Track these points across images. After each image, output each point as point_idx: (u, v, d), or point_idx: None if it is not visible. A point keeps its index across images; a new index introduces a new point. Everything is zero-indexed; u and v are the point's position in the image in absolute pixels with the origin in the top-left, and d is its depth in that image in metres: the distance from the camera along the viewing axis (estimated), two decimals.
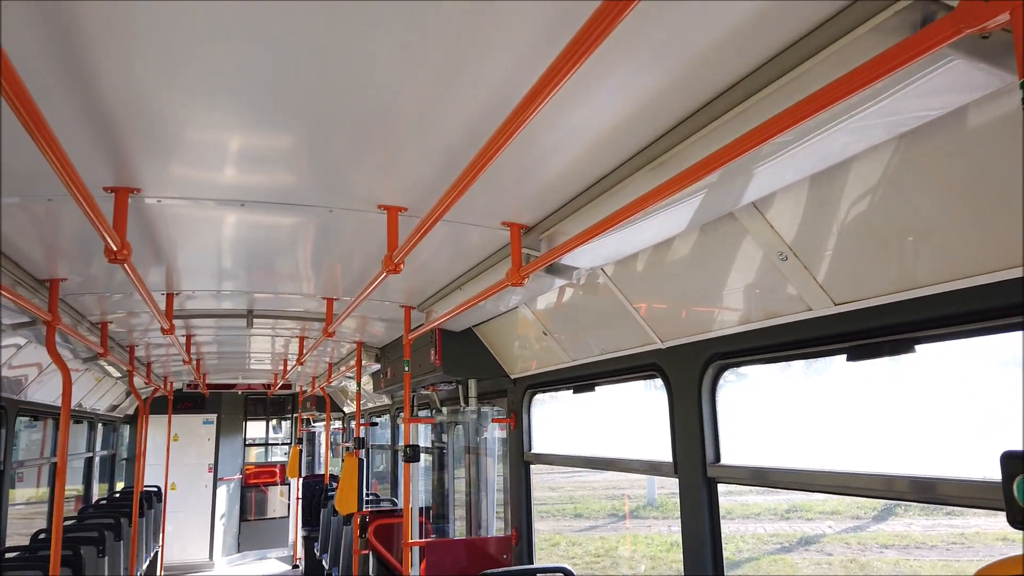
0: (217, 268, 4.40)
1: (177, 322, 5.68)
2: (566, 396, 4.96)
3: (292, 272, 4.57)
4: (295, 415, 14.47)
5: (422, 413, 7.99)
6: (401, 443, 10.08)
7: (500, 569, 4.80)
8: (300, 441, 14.01)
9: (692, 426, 3.23)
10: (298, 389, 13.50)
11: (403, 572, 5.88)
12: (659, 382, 3.58)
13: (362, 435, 7.31)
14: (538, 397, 5.20)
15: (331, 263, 4.25)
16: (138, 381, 9.23)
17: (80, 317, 5.14)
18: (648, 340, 3.51)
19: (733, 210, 2.45)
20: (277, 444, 14.97)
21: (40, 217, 3.04)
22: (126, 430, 12.35)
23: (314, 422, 15.68)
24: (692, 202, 2.39)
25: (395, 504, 9.07)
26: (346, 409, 13.54)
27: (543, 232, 3.18)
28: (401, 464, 10.22)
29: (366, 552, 7.18)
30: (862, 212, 2.17)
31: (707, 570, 3.12)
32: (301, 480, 13.20)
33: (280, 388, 12.70)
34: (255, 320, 5.73)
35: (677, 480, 3.34)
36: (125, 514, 8.41)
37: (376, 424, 10.49)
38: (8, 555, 5.63)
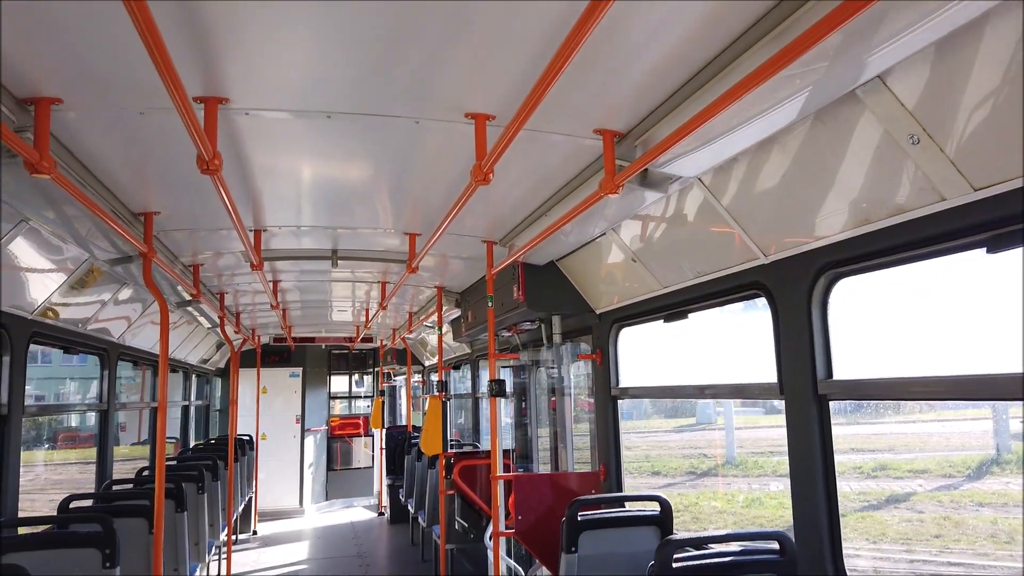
0: (301, 201, 4.41)
1: (264, 265, 5.78)
2: (651, 332, 4.81)
3: (374, 205, 4.55)
4: (376, 369, 14.80)
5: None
6: (483, 389, 10.12)
7: (592, 496, 4.73)
8: (382, 393, 14.34)
9: (800, 343, 3.04)
10: (379, 343, 13.75)
11: (489, 511, 5.92)
12: (755, 304, 3.40)
13: (444, 379, 7.36)
14: (624, 332, 5.06)
15: (414, 190, 4.19)
16: (228, 331, 9.56)
17: (173, 257, 5.28)
18: (750, 256, 3.31)
19: (855, 87, 2.23)
20: (360, 397, 15.37)
21: (132, 134, 3.07)
22: (218, 384, 12.89)
23: (395, 376, 15.99)
24: (806, 84, 2.19)
25: (477, 447, 9.16)
26: (426, 362, 13.75)
27: (638, 138, 3.01)
28: (484, 407, 10.29)
29: (451, 493, 7.26)
30: (1006, 76, 1.92)
31: (818, 494, 2.95)
32: (384, 431, 13.55)
33: (361, 341, 12.96)
34: (340, 261, 5.76)
35: (783, 403, 3.16)
36: (221, 457, 8.80)
37: (458, 368, 10.57)
38: (115, 487, 5.94)
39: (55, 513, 4.59)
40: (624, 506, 4.43)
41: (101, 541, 3.62)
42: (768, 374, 3.33)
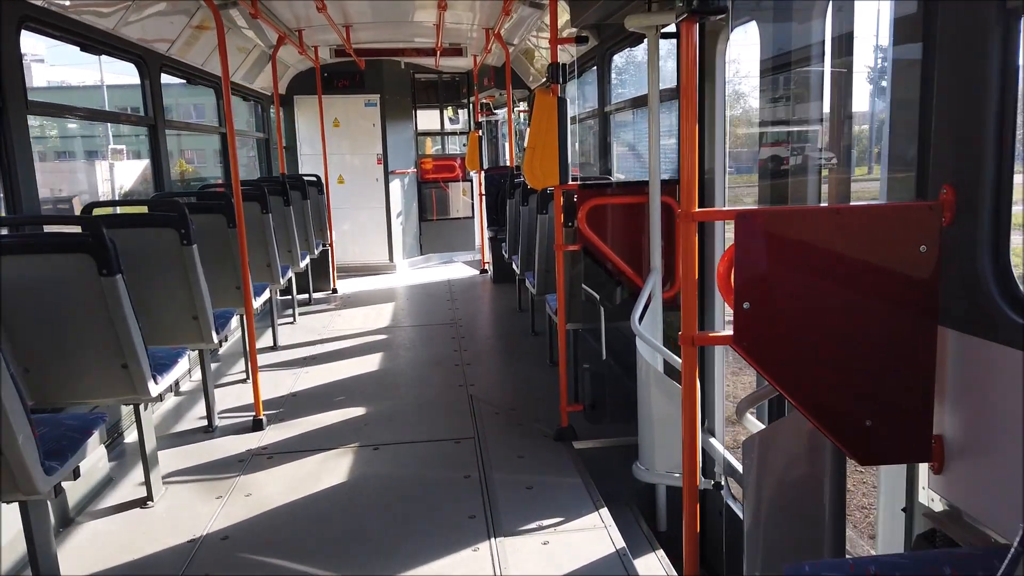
0: None
1: None
2: None
3: None
4: (471, 99, 11.81)
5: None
6: (615, 97, 7.13)
7: None
8: (479, 126, 11.42)
9: None
10: (471, 59, 10.59)
11: (639, 280, 3.26)
12: None
13: (559, 64, 4.37)
14: None
15: None
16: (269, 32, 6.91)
17: None
18: None
19: None
20: (455, 134, 12.57)
21: None
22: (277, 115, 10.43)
23: (495, 109, 13.07)
24: None
25: (610, 179, 6.38)
26: (532, 84, 10.68)
27: None
28: (616, 128, 7.40)
29: (575, 248, 4.62)
30: None
31: None
32: (483, 174, 10.94)
33: (449, 53, 9.88)
34: None
35: None
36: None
37: (584, 39, 7.45)
38: None
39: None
40: None
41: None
42: None
